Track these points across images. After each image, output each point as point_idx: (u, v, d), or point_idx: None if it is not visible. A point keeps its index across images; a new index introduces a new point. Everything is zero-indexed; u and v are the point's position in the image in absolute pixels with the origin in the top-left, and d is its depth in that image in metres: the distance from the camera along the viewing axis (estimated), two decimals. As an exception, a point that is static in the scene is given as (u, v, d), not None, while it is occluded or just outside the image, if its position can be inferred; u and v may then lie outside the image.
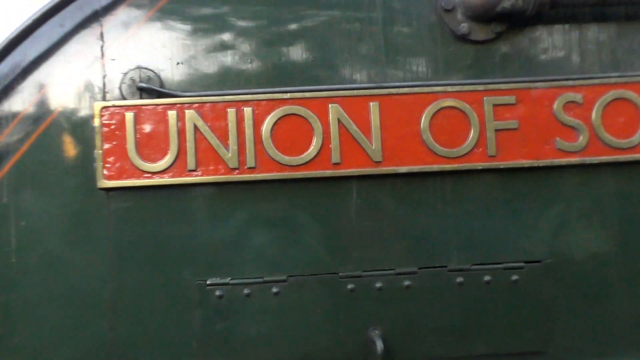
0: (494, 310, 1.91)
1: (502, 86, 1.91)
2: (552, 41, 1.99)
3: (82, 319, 1.89)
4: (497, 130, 1.90)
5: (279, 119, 1.89)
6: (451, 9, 1.95)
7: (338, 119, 1.89)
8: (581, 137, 1.90)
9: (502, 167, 1.90)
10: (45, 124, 1.92)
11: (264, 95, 1.89)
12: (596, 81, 1.93)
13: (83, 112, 1.91)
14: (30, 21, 1.89)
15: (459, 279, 1.90)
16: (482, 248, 1.93)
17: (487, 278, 1.91)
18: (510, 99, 1.90)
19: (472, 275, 1.91)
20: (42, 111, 1.92)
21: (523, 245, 1.93)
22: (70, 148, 1.92)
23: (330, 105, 1.89)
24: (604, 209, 1.94)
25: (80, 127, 1.91)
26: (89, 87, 1.93)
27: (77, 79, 1.93)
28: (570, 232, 1.94)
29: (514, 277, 1.91)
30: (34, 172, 1.91)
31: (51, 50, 1.95)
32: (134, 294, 1.89)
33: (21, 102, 1.93)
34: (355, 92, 1.90)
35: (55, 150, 1.91)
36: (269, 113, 1.88)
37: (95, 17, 1.95)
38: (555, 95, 1.91)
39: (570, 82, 1.92)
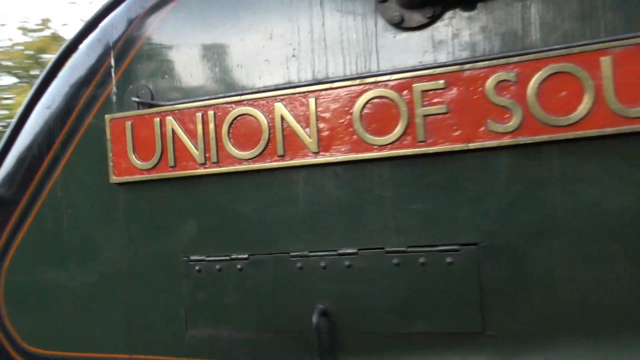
0: (430, 291, 1.96)
1: (431, 71, 1.93)
2: (489, 20, 1.92)
3: (105, 281, 2.44)
4: (425, 116, 1.93)
5: (235, 119, 2.17)
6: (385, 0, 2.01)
7: (281, 115, 2.10)
8: (514, 117, 1.83)
9: (431, 152, 1.93)
10: (79, 135, 2.48)
11: (223, 99, 2.19)
12: (531, 56, 1.82)
13: (102, 124, 2.43)
14: (63, 51, 2.46)
15: (395, 260, 2.00)
16: (417, 231, 1.98)
17: (422, 260, 1.96)
18: (439, 83, 1.91)
19: (408, 257, 1.98)
20: (78, 125, 2.49)
21: (458, 228, 1.93)
22: (96, 152, 2.46)
23: (275, 104, 2.11)
24: (543, 189, 1.85)
25: (102, 136, 2.43)
26: (106, 102, 2.44)
27: (99, 96, 2.45)
28: (507, 215, 1.89)
29: (449, 260, 1.93)
30: (74, 172, 2.49)
31: (83, 77, 2.50)
32: (141, 263, 2.38)
33: (64, 118, 2.52)
34: (295, 90, 2.09)
35: (87, 155, 2.47)
36: (227, 114, 2.18)
37: (108, 49, 2.44)
38: (488, 75, 1.86)
39: (503, 60, 1.85)
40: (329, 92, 2.04)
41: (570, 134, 1.78)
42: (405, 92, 1.95)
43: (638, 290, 1.77)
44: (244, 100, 2.16)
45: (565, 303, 1.83)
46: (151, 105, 2.32)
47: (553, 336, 1.85)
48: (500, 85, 1.85)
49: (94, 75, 2.46)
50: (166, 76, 2.34)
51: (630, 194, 1.76)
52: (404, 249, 1.99)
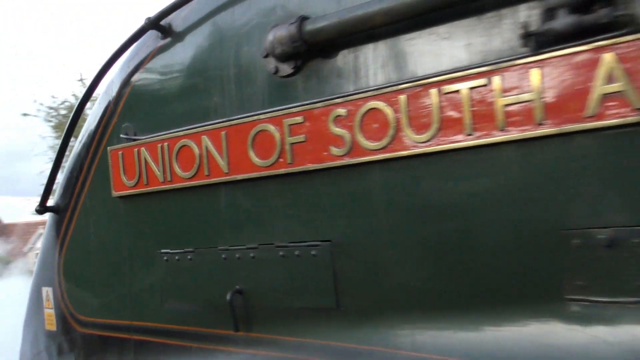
0: (303, 276, 2.59)
1: (294, 110, 2.54)
2: (331, 70, 2.48)
3: (114, 269, 3.37)
4: (292, 144, 2.55)
5: (180, 148, 2.95)
6: (267, 55, 2.65)
7: (206, 146, 2.84)
8: (346, 144, 2.39)
9: (296, 171, 2.55)
10: (96, 161, 3.42)
11: (171, 134, 2.98)
12: (355, 97, 2.37)
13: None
14: (82, 99, 3.43)
15: (281, 253, 2.65)
16: (294, 231, 2.61)
17: (297, 252, 2.60)
18: (300, 119, 2.52)
19: (289, 250, 2.63)
20: (96, 154, 3.43)
21: (319, 228, 2.54)
22: (107, 174, 3.38)
23: (202, 136, 2.86)
24: (370, 198, 2.39)
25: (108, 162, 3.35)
26: (110, 138, 3.35)
27: (106, 133, 3.37)
28: (349, 218, 2.45)
29: (313, 252, 2.54)
30: (96, 188, 3.45)
31: (98, 119, 3.43)
32: (134, 253, 3.26)
33: (88, 149, 3.47)
34: (213, 126, 2.81)
35: (102, 176, 3.39)
36: (175, 145, 2.97)
37: (110, 99, 3.35)
38: (329, 112, 2.44)
39: (338, 100, 2.41)
40: (230, 127, 2.74)
41: (382, 156, 2.31)
42: (278, 126, 2.59)
43: (438, 275, 2.26)
44: (183, 135, 2.93)
45: (391, 285, 2.36)
46: (132, 140, 3.18)
47: (386, 310, 2.40)
48: (337, 119, 2.42)
49: (103, 117, 3.39)
50: (142, 119, 3.18)
51: (427, 201, 2.25)
52: (286, 244, 2.64)
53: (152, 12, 3.05)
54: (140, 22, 3.09)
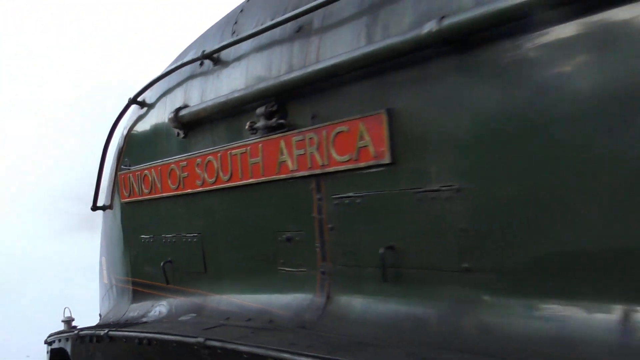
0: (192, 253, 4.51)
1: (183, 157, 4.44)
2: (198, 136, 4.33)
3: (124, 245, 5.56)
4: (183, 177, 4.46)
5: (143, 176, 5.00)
6: (174, 126, 4.57)
7: (153, 176, 4.86)
8: (202, 179, 4.25)
9: (185, 193, 4.46)
10: (115, 181, 5.62)
11: (140, 167, 5.04)
12: (201, 153, 4.20)
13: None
14: (107, 137, 5.65)
15: (184, 239, 4.59)
16: (187, 227, 4.54)
17: (189, 239, 4.51)
18: (185, 163, 4.42)
19: (186, 238, 4.55)
20: (116, 174, 5.63)
21: (196, 226, 4.44)
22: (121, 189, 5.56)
23: (151, 170, 4.87)
24: (214, 209, 4.23)
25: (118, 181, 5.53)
26: (120, 165, 5.52)
27: (119, 163, 5.55)
28: (206, 221, 4.32)
29: (195, 240, 4.45)
30: (117, 197, 5.66)
31: (117, 154, 5.62)
32: (134, 239, 5.41)
33: (112, 172, 5.69)
34: (155, 164, 4.82)
35: (119, 189, 5.59)
36: (142, 173, 5.03)
37: (121, 141, 5.51)
38: (194, 160, 4.31)
39: (200, 153, 4.27)
40: (161, 165, 4.72)
41: (213, 187, 4.14)
42: (177, 166, 4.51)
43: (242, 256, 4.05)
44: (144, 168, 4.97)
45: (222, 261, 4.20)
46: (127, 169, 5.32)
47: (221, 274, 4.24)
48: (198, 165, 4.28)
49: (119, 153, 5.56)
50: (134, 157, 5.29)
51: (229, 212, 4.05)
52: (185, 234, 4.57)
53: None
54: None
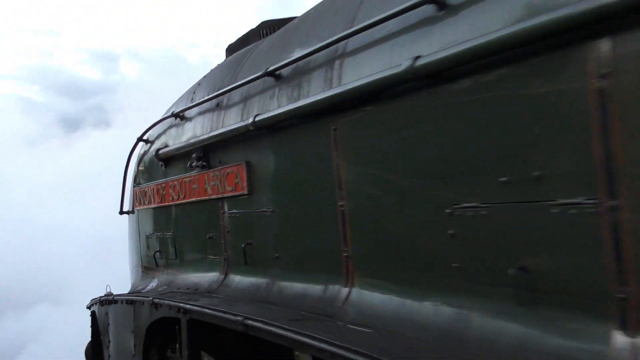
0: (164, 246, 6.66)
1: (162, 181, 6.59)
2: (171, 167, 6.46)
3: (143, 241, 7.82)
4: (162, 194, 6.61)
5: (145, 192, 7.21)
6: (157, 159, 6.73)
7: (152, 192, 7.05)
8: (172, 196, 6.38)
9: (166, 205, 6.60)
10: (132, 194, 7.88)
11: (145, 185, 7.25)
12: (171, 179, 6.32)
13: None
14: (127, 163, 7.94)
15: (169, 237, 6.75)
16: (170, 228, 6.69)
17: (168, 235, 6.67)
18: (164, 184, 6.56)
19: (171, 235, 6.71)
20: (133, 189, 7.90)
21: (171, 227, 6.58)
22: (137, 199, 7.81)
23: (152, 187, 7.07)
24: (180, 218, 6.34)
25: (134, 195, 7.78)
26: (135, 182, 7.77)
27: (135, 180, 7.80)
28: (175, 225, 6.45)
29: (170, 236, 6.59)
30: (135, 205, 7.93)
31: (133, 175, 7.89)
32: (145, 236, 7.64)
33: (131, 187, 7.96)
34: (152, 185, 7.01)
35: (136, 199, 7.85)
36: (146, 190, 7.23)
37: (135, 168, 7.77)
38: (168, 184, 6.43)
39: (170, 179, 6.40)
40: (154, 185, 6.90)
41: (177, 202, 6.25)
42: (161, 187, 6.66)
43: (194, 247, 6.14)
44: (146, 187, 7.17)
45: (186, 252, 6.32)
46: (138, 185, 7.55)
47: (189, 261, 6.36)
48: (171, 187, 6.41)
49: (134, 175, 7.82)
50: (141, 177, 7.52)
51: (183, 220, 6.14)
52: (166, 233, 6.71)
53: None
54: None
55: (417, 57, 2.99)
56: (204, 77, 6.53)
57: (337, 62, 3.84)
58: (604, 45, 2.25)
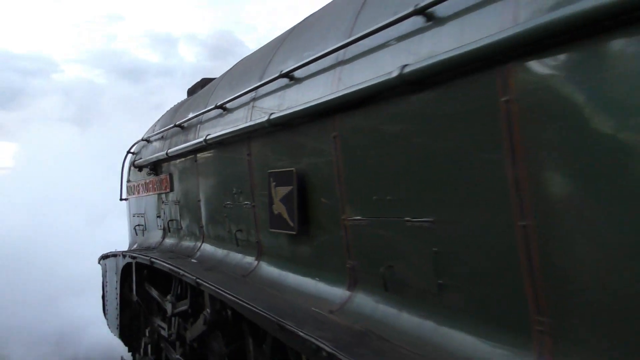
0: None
1: (137, 181, 10.28)
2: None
3: (134, 222, 11.60)
4: (140, 187, 10.30)
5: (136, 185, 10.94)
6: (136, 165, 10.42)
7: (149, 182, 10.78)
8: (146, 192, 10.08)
9: (143, 196, 10.31)
10: (125, 186, 11.63)
11: (134, 182, 10.98)
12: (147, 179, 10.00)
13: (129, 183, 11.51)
14: (123, 161, 11.72)
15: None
16: (162, 210, 10.41)
17: (140, 228, 10.38)
18: (141, 184, 10.25)
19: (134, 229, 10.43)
20: (124, 184, 11.66)
21: (166, 211, 10.28)
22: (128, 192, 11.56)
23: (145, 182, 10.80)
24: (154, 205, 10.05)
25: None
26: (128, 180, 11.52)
27: (128, 176, 11.55)
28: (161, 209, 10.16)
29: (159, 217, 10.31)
30: (126, 194, 11.70)
31: (127, 173, 11.65)
32: (134, 222, 11.39)
33: (122, 180, 11.73)
34: (134, 182, 10.73)
35: (127, 191, 11.60)
36: (138, 185, 10.97)
37: (128, 168, 11.53)
38: (142, 182, 10.12)
39: (142, 180, 10.08)
40: (136, 183, 10.62)
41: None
42: (138, 184, 10.36)
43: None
44: (135, 183, 10.89)
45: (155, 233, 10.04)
46: (130, 182, 11.30)
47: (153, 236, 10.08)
48: (143, 185, 10.09)
49: (128, 175, 11.56)
50: (131, 177, 11.26)
51: (159, 205, 9.85)
52: (147, 215, 10.43)
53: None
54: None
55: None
56: (166, 112, 10.14)
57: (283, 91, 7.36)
58: (509, 72, 2.48)
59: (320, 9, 5.54)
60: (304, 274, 4.73)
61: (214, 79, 9.08)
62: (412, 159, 3.37)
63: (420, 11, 3.12)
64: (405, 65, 3.13)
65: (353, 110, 3.87)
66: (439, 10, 3.11)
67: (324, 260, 4.47)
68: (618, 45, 2.16)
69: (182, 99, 10.53)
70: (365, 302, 3.93)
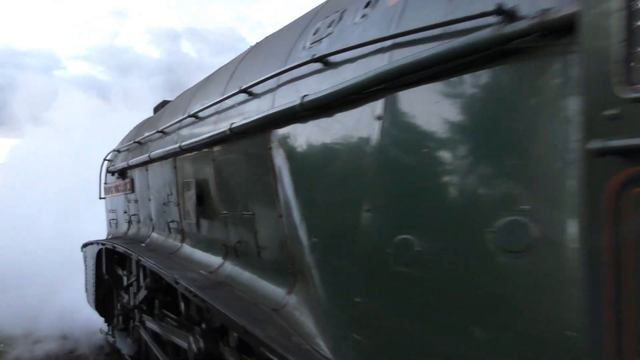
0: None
1: (111, 184, 12.63)
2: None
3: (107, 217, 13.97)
4: (111, 190, 12.66)
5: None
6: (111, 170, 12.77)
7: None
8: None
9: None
10: (104, 186, 13.99)
11: (109, 184, 13.34)
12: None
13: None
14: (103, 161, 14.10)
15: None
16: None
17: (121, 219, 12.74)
18: (113, 185, 12.61)
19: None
20: (102, 184, 14.02)
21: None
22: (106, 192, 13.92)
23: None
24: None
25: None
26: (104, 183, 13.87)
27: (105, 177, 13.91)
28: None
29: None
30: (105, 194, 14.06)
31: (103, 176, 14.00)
32: (109, 213, 13.75)
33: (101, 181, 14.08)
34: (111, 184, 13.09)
35: (105, 191, 13.97)
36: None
37: (104, 174, 13.88)
38: (114, 185, 12.48)
39: (113, 184, 12.44)
40: (111, 185, 12.98)
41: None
42: (111, 187, 12.72)
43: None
44: (110, 185, 13.26)
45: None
46: (106, 184, 13.66)
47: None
48: (115, 186, 12.45)
49: (105, 178, 13.92)
50: (107, 179, 13.62)
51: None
52: (119, 212, 12.79)
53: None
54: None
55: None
56: (135, 126, 12.46)
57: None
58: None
59: (275, 32, 7.55)
60: (202, 249, 7.12)
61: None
62: (247, 176, 5.74)
63: (318, 60, 4.15)
64: (305, 95, 4.14)
65: (228, 143, 6.20)
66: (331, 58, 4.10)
67: (212, 240, 6.85)
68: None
69: (148, 116, 12.87)
70: (229, 266, 6.31)
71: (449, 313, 2.79)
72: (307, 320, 4.40)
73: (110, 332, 12.30)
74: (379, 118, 3.47)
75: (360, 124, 3.65)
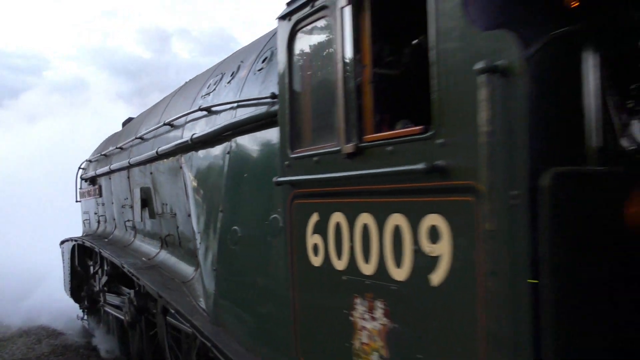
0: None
1: (89, 189, 14.58)
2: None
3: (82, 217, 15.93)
4: (87, 195, 14.61)
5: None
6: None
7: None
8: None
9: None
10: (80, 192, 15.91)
11: (85, 189, 15.29)
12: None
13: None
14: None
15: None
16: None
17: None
18: (89, 191, 14.56)
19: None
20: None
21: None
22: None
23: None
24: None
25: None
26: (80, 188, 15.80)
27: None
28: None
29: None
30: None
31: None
32: (84, 214, 15.70)
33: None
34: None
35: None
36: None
37: (79, 181, 15.81)
38: (90, 189, 14.43)
39: (83, 189, 14.39)
40: (87, 190, 14.94)
41: (88, 198, 14.27)
42: (87, 191, 14.67)
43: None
44: (85, 190, 15.21)
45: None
46: (82, 190, 15.60)
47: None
48: (88, 191, 14.40)
49: (80, 184, 15.85)
50: (81, 185, 15.56)
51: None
52: (91, 213, 14.76)
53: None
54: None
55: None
56: (105, 139, 14.39)
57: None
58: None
59: (193, 77, 9.57)
60: (146, 242, 9.16)
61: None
62: (171, 186, 7.76)
63: (204, 109, 6.52)
64: (194, 134, 6.96)
65: (158, 160, 8.21)
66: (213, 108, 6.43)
67: (153, 234, 8.89)
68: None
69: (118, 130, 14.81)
70: (163, 253, 8.35)
71: (254, 272, 4.83)
72: (199, 287, 6.42)
73: (85, 317, 14.21)
74: (228, 153, 5.51)
75: (219, 156, 5.71)
